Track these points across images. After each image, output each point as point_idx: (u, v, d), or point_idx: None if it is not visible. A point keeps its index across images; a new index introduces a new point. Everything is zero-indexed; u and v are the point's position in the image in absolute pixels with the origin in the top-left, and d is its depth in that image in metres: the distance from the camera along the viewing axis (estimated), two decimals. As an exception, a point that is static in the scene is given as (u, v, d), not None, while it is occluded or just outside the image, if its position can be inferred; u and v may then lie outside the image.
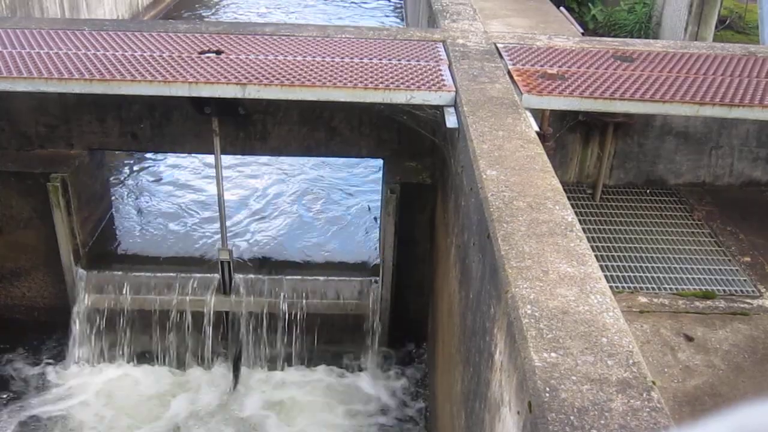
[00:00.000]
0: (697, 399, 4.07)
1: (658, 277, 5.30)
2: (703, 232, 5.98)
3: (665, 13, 13.70)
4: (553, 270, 3.13)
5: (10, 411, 6.42)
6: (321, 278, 6.89)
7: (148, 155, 9.98)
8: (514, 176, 3.95)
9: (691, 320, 4.76)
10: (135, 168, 9.83)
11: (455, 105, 5.16)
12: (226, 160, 9.05)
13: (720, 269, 5.44)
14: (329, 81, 5.27)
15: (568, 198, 3.81)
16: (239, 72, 5.36)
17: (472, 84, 5.30)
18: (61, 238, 6.55)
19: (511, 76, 5.54)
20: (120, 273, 6.80)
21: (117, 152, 9.43)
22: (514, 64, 5.77)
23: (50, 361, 6.94)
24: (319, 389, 6.78)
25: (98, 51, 5.76)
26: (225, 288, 6.75)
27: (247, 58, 5.71)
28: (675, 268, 5.43)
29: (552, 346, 2.67)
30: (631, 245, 5.74)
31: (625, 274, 5.33)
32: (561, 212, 3.62)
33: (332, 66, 5.61)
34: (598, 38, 7.03)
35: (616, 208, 6.36)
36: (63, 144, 6.76)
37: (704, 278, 5.31)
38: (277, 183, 9.59)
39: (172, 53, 5.76)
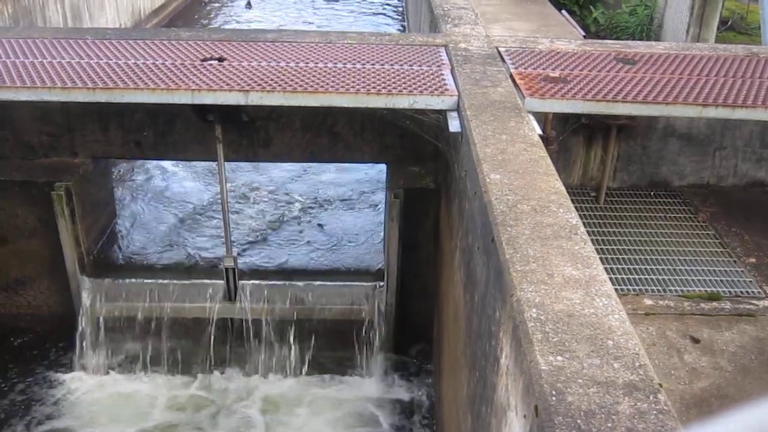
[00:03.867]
0: (704, 401, 4.05)
1: (664, 279, 5.29)
2: (707, 234, 5.97)
3: (667, 15, 13.69)
4: (558, 273, 3.12)
5: (15, 419, 6.42)
6: (325, 284, 6.89)
7: (152, 163, 9.99)
8: (517, 179, 3.95)
9: (697, 322, 4.74)
10: (139, 175, 9.84)
11: (458, 109, 5.16)
12: (230, 166, 9.05)
13: (725, 270, 5.42)
14: (332, 87, 5.28)
15: (572, 201, 3.80)
16: (242, 79, 5.37)
17: (474, 88, 5.30)
18: (66, 247, 6.56)
19: (513, 80, 5.54)
20: (125, 280, 6.80)
21: (121, 160, 9.45)
22: (516, 68, 5.78)
23: (56, 369, 6.95)
24: (325, 394, 6.76)
25: (101, 60, 5.78)
26: (230, 295, 6.75)
27: (249, 65, 5.72)
28: (680, 269, 5.42)
29: (558, 349, 2.66)
30: (635, 247, 5.73)
31: (630, 277, 5.32)
32: (565, 215, 3.61)
33: (335, 72, 5.62)
34: (599, 41, 7.03)
35: (620, 210, 6.35)
36: (67, 153, 6.78)
37: (709, 280, 5.30)
38: (281, 188, 9.59)
39: (175, 61, 5.77)
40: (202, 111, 6.11)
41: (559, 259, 3.23)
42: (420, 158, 6.78)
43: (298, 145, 6.85)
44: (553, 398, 2.43)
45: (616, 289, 3.11)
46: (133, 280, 6.82)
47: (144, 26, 16.03)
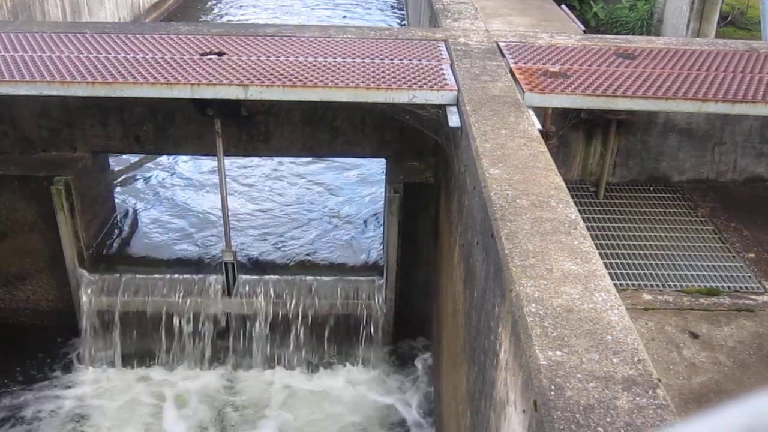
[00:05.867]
0: (703, 396, 4.06)
1: (663, 274, 5.29)
2: (707, 229, 5.97)
3: (667, 9, 13.68)
4: (557, 268, 3.12)
5: (15, 413, 6.43)
6: (324, 278, 6.89)
7: (151, 157, 9.98)
8: (517, 175, 3.94)
9: (695, 317, 4.75)
10: (138, 170, 9.83)
11: (458, 104, 5.15)
12: (229, 161, 9.05)
13: (724, 266, 5.43)
14: (331, 81, 5.27)
15: (572, 196, 3.80)
16: (241, 73, 5.37)
17: (474, 83, 5.30)
18: (65, 241, 6.56)
19: (513, 75, 5.54)
20: (124, 275, 6.80)
21: (120, 155, 9.44)
22: (516, 63, 5.77)
23: (55, 363, 6.95)
24: (324, 389, 6.78)
25: (100, 54, 5.77)
26: (229, 289, 6.75)
27: (249, 59, 5.72)
28: (679, 265, 5.43)
29: (557, 344, 2.67)
30: (635, 242, 5.73)
31: (630, 272, 5.32)
32: (564, 210, 3.61)
33: (334, 66, 5.61)
34: (599, 36, 7.02)
35: (620, 205, 6.35)
36: (66, 147, 6.77)
37: (709, 275, 5.30)
38: (280, 183, 9.59)
39: (174, 55, 5.76)
40: (201, 105, 6.10)
41: (558, 254, 3.23)
42: (420, 153, 6.78)
43: (298, 139, 6.84)
44: (552, 393, 2.44)
45: (615, 284, 3.11)
46: (133, 275, 6.82)
47: (143, 20, 16.00)
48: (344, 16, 19.35)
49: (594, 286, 3.02)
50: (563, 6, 10.13)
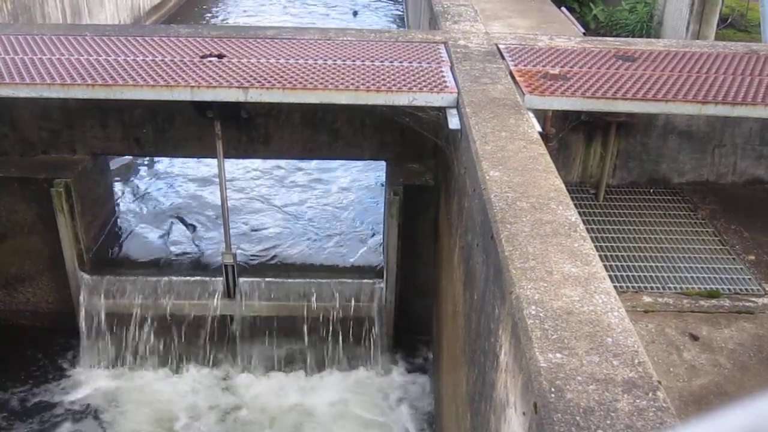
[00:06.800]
0: (703, 398, 4.06)
1: (663, 277, 5.29)
2: (707, 231, 5.97)
3: (667, 12, 13.69)
4: (557, 270, 3.12)
5: (15, 415, 6.42)
6: (325, 281, 6.89)
7: (152, 159, 9.99)
8: (517, 177, 3.95)
9: (696, 319, 4.75)
10: (138, 172, 9.83)
11: (457, 106, 5.16)
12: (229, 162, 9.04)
13: (724, 268, 5.43)
14: (331, 84, 5.28)
15: (572, 198, 3.80)
16: (241, 76, 5.37)
17: (474, 85, 5.30)
18: (65, 243, 6.56)
19: (513, 77, 5.54)
20: (124, 277, 6.80)
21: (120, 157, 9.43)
22: (515, 65, 5.77)
23: (55, 365, 6.95)
24: (324, 392, 6.77)
25: (100, 56, 5.77)
26: (229, 292, 6.75)
27: (249, 61, 5.72)
28: (679, 267, 5.42)
29: (557, 346, 2.67)
30: (634, 245, 5.73)
31: (630, 274, 5.32)
32: (564, 212, 3.61)
33: (334, 68, 5.61)
34: (599, 38, 7.03)
35: (620, 207, 6.35)
36: (66, 149, 6.78)
37: (709, 277, 5.30)
38: (280, 185, 9.59)
39: (174, 57, 5.76)
40: (201, 107, 6.11)
41: (558, 256, 3.23)
42: (420, 155, 6.78)
43: (298, 141, 6.84)
44: (552, 395, 2.43)
45: (615, 287, 3.11)
46: (133, 277, 6.81)
47: (143, 23, 16.01)
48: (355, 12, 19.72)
49: (594, 288, 3.02)
50: (563, 8, 10.14)
